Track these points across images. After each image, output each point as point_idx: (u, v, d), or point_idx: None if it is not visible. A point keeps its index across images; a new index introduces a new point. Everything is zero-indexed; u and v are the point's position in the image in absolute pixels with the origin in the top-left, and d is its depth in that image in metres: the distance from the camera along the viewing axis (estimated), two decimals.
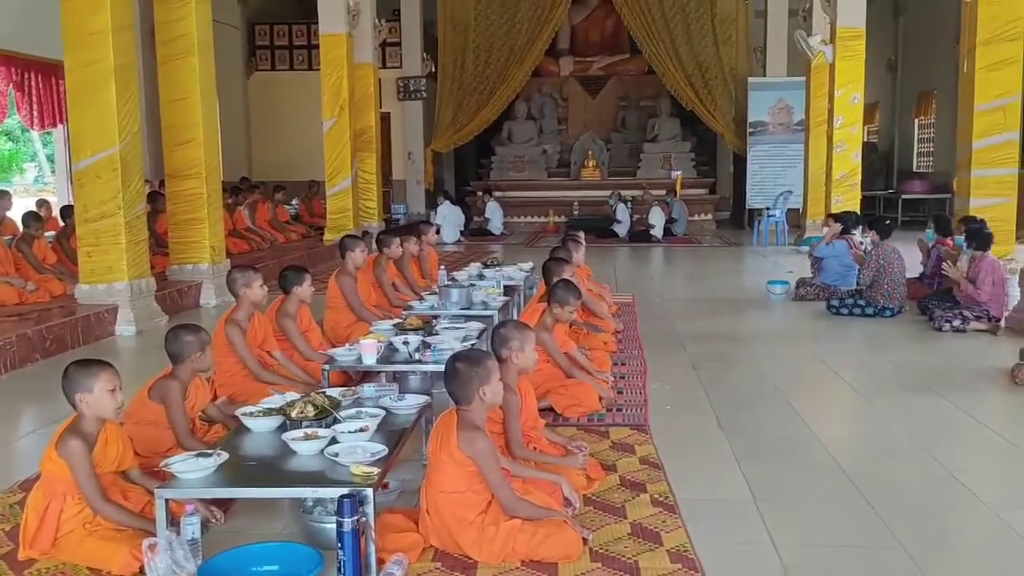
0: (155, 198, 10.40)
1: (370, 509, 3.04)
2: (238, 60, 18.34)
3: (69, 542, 3.24)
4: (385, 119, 17.63)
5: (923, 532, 3.48)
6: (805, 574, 3.13)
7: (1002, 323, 7.30)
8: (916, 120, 19.54)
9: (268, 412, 3.73)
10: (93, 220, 7.58)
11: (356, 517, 2.95)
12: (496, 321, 5.89)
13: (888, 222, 8.45)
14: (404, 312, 6.41)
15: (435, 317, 6.12)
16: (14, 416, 5.43)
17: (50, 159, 21.49)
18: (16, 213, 9.74)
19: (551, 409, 5.06)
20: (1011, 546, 3.38)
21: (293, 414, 3.63)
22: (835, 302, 8.21)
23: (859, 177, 12.73)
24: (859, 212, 11.23)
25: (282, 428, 3.62)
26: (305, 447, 3.38)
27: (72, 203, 7.96)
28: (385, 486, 3.84)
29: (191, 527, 3.09)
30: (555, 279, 5.82)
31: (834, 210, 11.42)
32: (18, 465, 4.42)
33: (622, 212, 15.61)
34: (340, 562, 2.96)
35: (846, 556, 3.31)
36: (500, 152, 18.42)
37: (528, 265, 8.64)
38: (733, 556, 3.28)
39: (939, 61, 16.83)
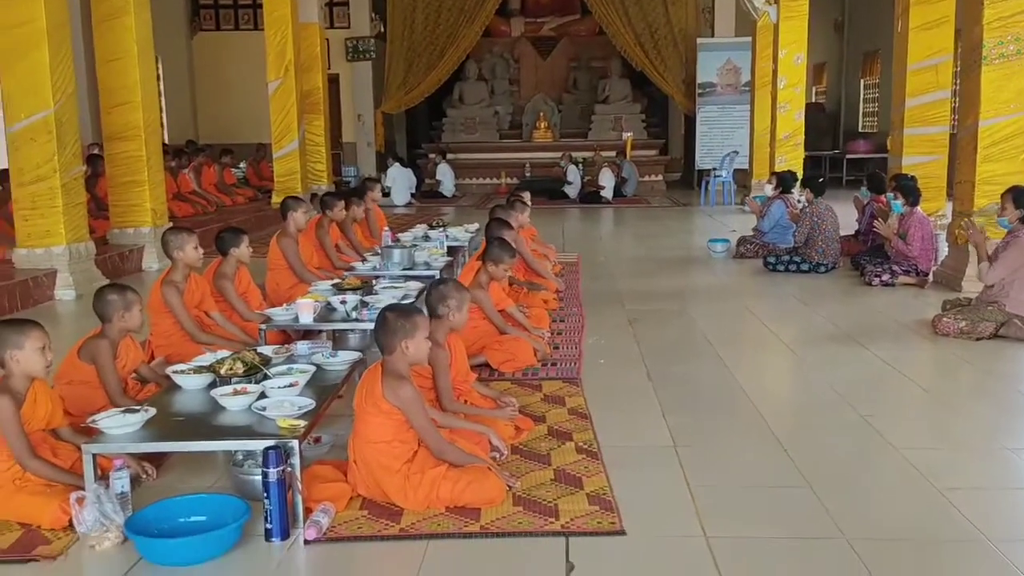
0: (95, 161, 10.25)
1: (296, 460, 3.13)
2: (181, 20, 17.94)
3: None
4: (334, 80, 17.43)
5: (830, 472, 3.67)
6: (714, 512, 3.29)
7: (930, 277, 7.55)
8: (862, 80, 19.81)
9: (198, 370, 3.78)
10: (29, 183, 7.50)
11: (281, 468, 3.04)
12: None
13: (821, 180, 8.65)
14: (345, 273, 6.46)
15: (376, 278, 6.17)
16: None
17: None
18: None
19: (487, 365, 5.16)
20: (912, 483, 3.57)
21: (222, 371, 3.69)
22: (772, 259, 8.41)
23: (802, 137, 12.95)
24: (802, 172, 11.45)
25: (212, 385, 3.68)
26: (233, 402, 3.44)
27: (7, 167, 7.83)
28: (317, 440, 3.94)
29: (120, 482, 3.15)
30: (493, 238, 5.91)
31: (777, 169, 11.64)
32: None
33: (573, 174, 15.67)
34: (267, 511, 3.05)
35: (753, 495, 3.48)
36: (451, 114, 18.35)
37: (474, 226, 8.70)
38: (649, 497, 3.43)
39: (883, 22, 17.00)
